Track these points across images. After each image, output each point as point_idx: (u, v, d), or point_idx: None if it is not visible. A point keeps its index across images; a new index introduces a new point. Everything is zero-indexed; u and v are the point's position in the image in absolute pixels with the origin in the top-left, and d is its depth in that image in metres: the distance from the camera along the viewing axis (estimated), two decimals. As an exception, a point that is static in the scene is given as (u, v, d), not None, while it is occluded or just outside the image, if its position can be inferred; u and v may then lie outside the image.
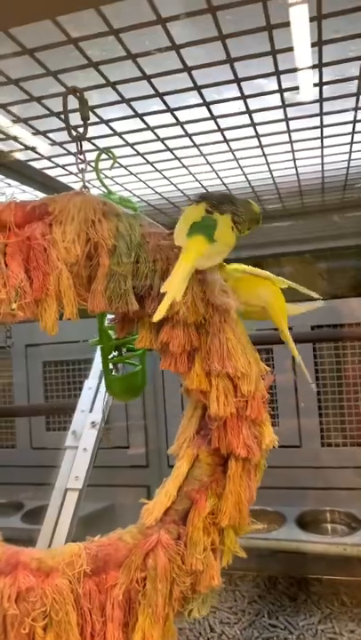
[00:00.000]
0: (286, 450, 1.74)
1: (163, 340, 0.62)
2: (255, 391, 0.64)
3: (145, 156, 1.01)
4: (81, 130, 0.65)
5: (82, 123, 0.65)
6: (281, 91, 0.81)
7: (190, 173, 1.14)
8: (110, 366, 0.86)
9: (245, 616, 1.40)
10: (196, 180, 1.19)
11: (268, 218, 1.58)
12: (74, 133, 0.65)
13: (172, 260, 0.61)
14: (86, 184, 0.64)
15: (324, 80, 0.78)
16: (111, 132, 0.90)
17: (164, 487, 0.64)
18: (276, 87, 0.80)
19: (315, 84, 0.80)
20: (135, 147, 0.97)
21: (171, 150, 0.99)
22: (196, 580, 0.60)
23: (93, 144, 0.93)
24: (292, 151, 1.06)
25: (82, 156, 0.65)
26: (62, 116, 0.68)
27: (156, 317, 0.53)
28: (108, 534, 0.63)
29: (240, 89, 0.79)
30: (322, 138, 1.00)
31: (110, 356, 0.83)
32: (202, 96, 0.81)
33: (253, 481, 0.65)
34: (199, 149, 1.00)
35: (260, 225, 0.67)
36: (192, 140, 0.96)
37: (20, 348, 1.90)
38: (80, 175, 0.65)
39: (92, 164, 0.67)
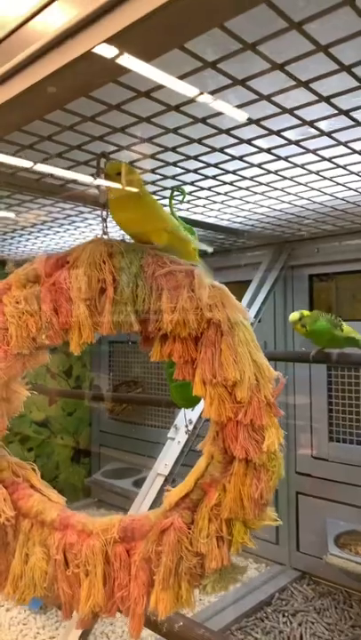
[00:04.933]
0: None
1: (166, 352, 0.73)
2: (252, 397, 0.68)
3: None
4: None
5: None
6: None
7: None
8: None
9: (340, 637, 1.32)
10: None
11: None
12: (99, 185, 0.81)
13: (164, 285, 0.71)
14: (105, 230, 0.79)
15: None
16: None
17: (185, 480, 0.75)
18: None
19: None
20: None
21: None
22: (203, 560, 0.69)
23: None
24: None
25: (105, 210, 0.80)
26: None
27: None
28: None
29: None
30: None
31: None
32: None
33: (262, 480, 0.69)
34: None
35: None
36: None
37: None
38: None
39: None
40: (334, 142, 0.74)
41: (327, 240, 1.52)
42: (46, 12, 0.51)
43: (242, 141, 0.70)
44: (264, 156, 0.76)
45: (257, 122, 0.63)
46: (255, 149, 0.73)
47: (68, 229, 1.33)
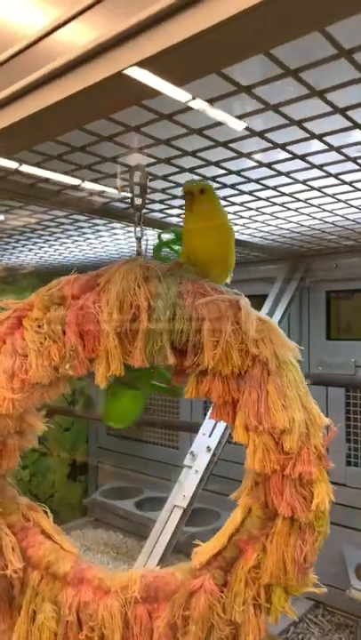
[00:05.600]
0: None
1: (204, 390, 0.65)
2: (301, 448, 0.61)
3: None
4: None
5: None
6: None
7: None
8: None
9: None
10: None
11: None
12: (136, 203, 0.74)
13: (206, 315, 0.64)
14: (140, 250, 0.71)
15: None
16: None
17: (218, 534, 0.67)
18: None
19: None
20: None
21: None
22: (237, 630, 0.61)
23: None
24: None
25: (139, 227, 0.72)
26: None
27: None
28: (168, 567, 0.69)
29: None
30: None
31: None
32: None
33: (308, 542, 0.62)
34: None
35: None
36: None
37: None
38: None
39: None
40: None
41: (347, 255, 1.45)
42: (71, 27, 0.46)
43: (295, 157, 0.63)
44: (313, 172, 0.69)
45: (319, 137, 0.57)
46: (307, 165, 0.66)
47: (77, 240, 1.26)
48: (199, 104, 0.55)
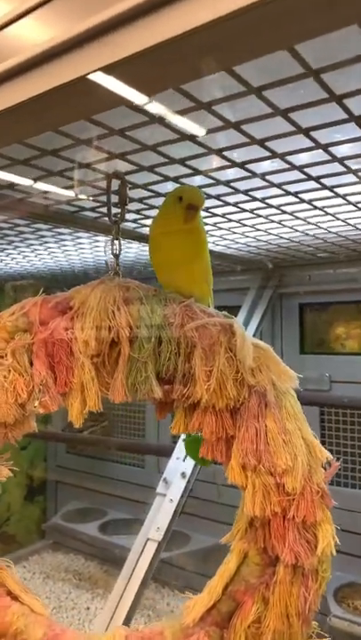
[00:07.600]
0: None
1: (194, 426, 0.58)
2: (304, 487, 0.55)
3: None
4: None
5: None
6: None
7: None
8: None
9: None
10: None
11: None
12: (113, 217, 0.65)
13: (197, 341, 0.57)
14: (118, 270, 0.63)
15: None
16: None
17: (210, 583, 0.60)
18: None
19: None
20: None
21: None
22: None
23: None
24: None
25: (117, 241, 0.64)
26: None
27: None
28: (154, 623, 0.61)
29: None
30: None
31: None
32: None
33: (311, 588, 0.56)
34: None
35: None
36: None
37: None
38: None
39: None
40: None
41: (320, 267, 1.40)
42: (24, 23, 0.39)
43: (293, 167, 0.58)
44: (307, 185, 0.65)
45: (325, 147, 0.52)
46: (303, 177, 0.61)
47: (37, 249, 1.15)
48: (171, 117, 0.48)
